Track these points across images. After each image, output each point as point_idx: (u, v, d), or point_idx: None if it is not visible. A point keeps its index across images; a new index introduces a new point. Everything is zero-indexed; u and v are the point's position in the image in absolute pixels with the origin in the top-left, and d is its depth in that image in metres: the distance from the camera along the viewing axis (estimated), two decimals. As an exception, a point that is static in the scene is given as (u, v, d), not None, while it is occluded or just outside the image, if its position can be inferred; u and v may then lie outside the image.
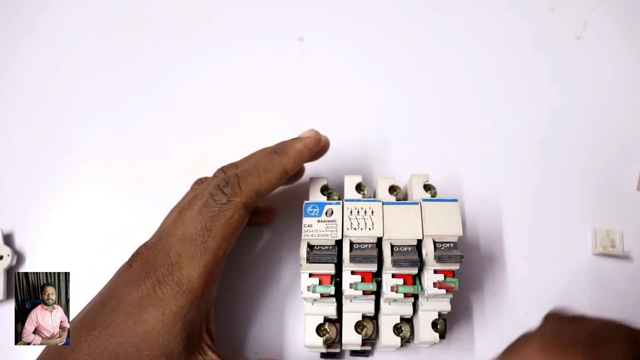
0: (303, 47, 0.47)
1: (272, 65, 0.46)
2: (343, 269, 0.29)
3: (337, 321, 0.31)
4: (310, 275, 0.29)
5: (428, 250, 0.29)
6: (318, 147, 0.32)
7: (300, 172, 0.35)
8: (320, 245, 0.29)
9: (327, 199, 0.32)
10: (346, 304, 0.31)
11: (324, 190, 0.33)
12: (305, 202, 0.30)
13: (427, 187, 0.33)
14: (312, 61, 0.46)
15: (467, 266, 0.38)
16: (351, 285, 0.29)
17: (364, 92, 0.45)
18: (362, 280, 0.29)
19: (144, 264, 0.28)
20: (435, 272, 0.29)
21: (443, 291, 0.29)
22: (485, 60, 0.46)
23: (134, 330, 0.26)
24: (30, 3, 0.49)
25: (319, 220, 0.29)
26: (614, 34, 0.47)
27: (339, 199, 0.32)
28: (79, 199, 0.41)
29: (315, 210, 0.30)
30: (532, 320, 0.31)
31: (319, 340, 0.30)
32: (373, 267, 0.29)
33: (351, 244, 0.29)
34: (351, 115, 0.43)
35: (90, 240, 0.39)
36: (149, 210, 0.36)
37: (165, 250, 0.28)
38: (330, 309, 0.30)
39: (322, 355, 0.34)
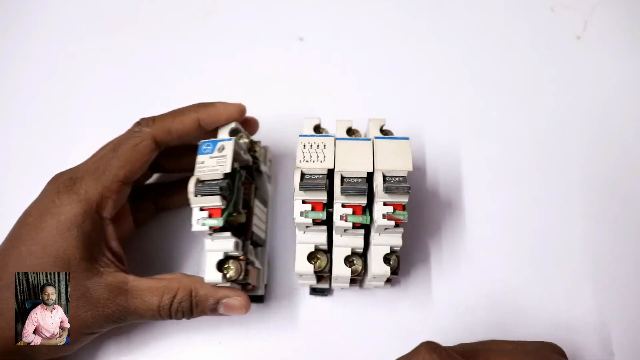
0: (303, 47, 0.47)
1: (272, 65, 0.46)
2: (294, 198, 0.31)
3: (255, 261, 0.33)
4: (202, 209, 0.29)
5: (377, 182, 0.30)
6: (239, 116, 0.34)
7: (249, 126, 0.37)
8: (210, 180, 0.29)
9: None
10: (299, 235, 0.32)
11: (233, 133, 0.33)
12: (201, 141, 0.31)
13: (385, 132, 0.34)
14: (312, 61, 0.46)
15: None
16: (302, 214, 0.30)
17: (363, 91, 0.45)
18: (313, 209, 0.30)
19: (53, 183, 0.32)
20: (385, 204, 0.30)
21: (392, 223, 0.30)
22: (485, 60, 0.46)
23: (34, 238, 0.29)
24: (30, 3, 0.49)
25: (211, 157, 0.30)
26: (614, 34, 0.47)
27: (247, 139, 0.34)
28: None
29: (209, 147, 0.31)
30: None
31: (223, 274, 0.31)
32: (322, 196, 0.30)
33: (302, 174, 0.31)
34: (351, 115, 0.43)
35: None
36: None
37: (74, 170, 0.32)
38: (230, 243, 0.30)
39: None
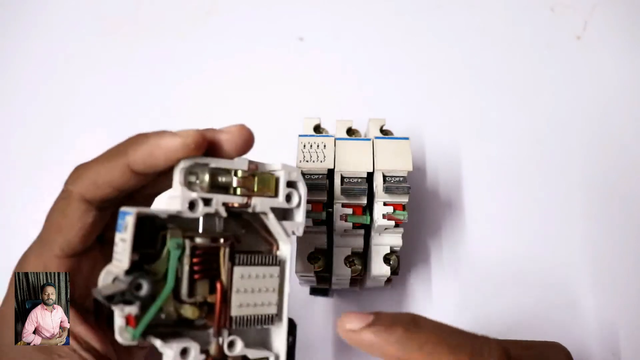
0: (303, 47, 0.47)
1: (272, 65, 0.46)
2: None
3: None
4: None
5: (377, 182, 0.30)
6: (186, 152, 0.22)
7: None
8: (116, 279, 0.21)
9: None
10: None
11: (193, 172, 0.22)
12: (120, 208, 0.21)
13: (385, 132, 0.34)
14: (312, 61, 0.46)
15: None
16: None
17: (363, 92, 0.45)
18: (312, 209, 0.30)
19: None
20: (385, 204, 0.30)
21: (392, 223, 0.30)
22: (485, 60, 0.46)
23: None
24: (30, 3, 0.49)
25: (121, 238, 0.21)
26: (614, 34, 0.47)
27: (206, 178, 0.22)
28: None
29: (121, 222, 0.21)
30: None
31: None
32: (322, 196, 0.30)
33: (302, 175, 0.30)
34: (351, 115, 0.43)
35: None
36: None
37: (33, 242, 0.28)
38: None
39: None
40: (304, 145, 0.32)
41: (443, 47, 0.47)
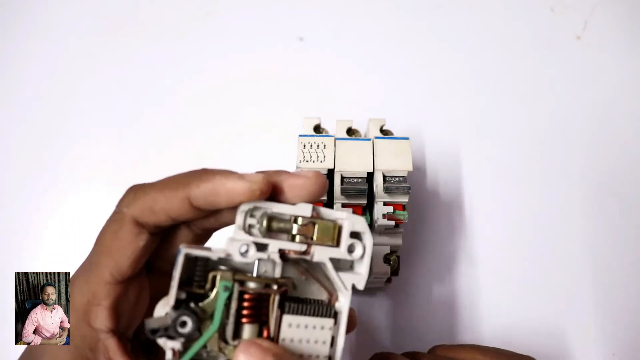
0: (303, 47, 0.47)
1: (272, 65, 0.46)
2: None
3: None
4: None
5: (378, 182, 0.30)
6: (249, 197, 0.22)
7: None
8: (167, 312, 0.21)
9: None
10: None
11: (253, 214, 0.22)
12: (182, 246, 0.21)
13: (385, 132, 0.34)
14: (312, 61, 0.46)
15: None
16: None
17: (364, 92, 0.45)
18: None
19: None
20: (385, 204, 0.30)
21: (392, 223, 0.30)
22: (485, 60, 0.46)
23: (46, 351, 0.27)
24: (30, 3, 0.49)
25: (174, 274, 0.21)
26: (614, 34, 0.47)
27: (263, 224, 0.21)
28: (78, 198, 0.41)
29: (176, 257, 0.21)
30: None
31: None
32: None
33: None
34: (351, 115, 0.43)
35: (90, 241, 0.39)
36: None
37: (81, 265, 0.27)
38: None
39: None
40: (304, 145, 0.32)
41: (443, 47, 0.47)
